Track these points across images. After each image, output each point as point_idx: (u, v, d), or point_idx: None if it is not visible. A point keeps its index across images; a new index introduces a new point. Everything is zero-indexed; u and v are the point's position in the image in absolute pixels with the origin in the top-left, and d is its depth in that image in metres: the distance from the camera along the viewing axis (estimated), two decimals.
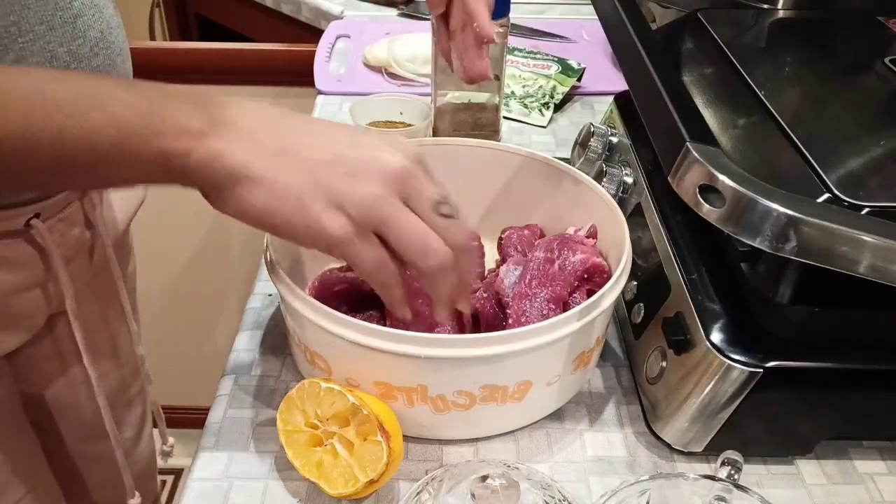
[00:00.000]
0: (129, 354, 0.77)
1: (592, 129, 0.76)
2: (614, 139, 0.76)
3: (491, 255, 0.68)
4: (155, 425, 0.85)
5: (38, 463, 0.69)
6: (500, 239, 0.67)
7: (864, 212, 0.45)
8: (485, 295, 0.61)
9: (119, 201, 0.71)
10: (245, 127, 0.44)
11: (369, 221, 0.44)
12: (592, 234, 0.63)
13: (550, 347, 0.51)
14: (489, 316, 0.60)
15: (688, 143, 0.45)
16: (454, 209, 0.47)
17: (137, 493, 0.74)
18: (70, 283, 0.61)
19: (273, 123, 0.45)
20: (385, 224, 0.44)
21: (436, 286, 0.47)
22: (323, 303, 0.51)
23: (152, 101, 0.42)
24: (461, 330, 0.58)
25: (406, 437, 0.55)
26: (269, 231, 0.47)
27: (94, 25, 0.55)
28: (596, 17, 0.70)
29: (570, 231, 0.64)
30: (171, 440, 0.84)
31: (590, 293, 0.58)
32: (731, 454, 0.49)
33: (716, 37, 0.67)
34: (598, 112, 0.99)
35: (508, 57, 1.00)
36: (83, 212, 0.63)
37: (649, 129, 0.54)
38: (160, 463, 0.90)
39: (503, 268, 0.61)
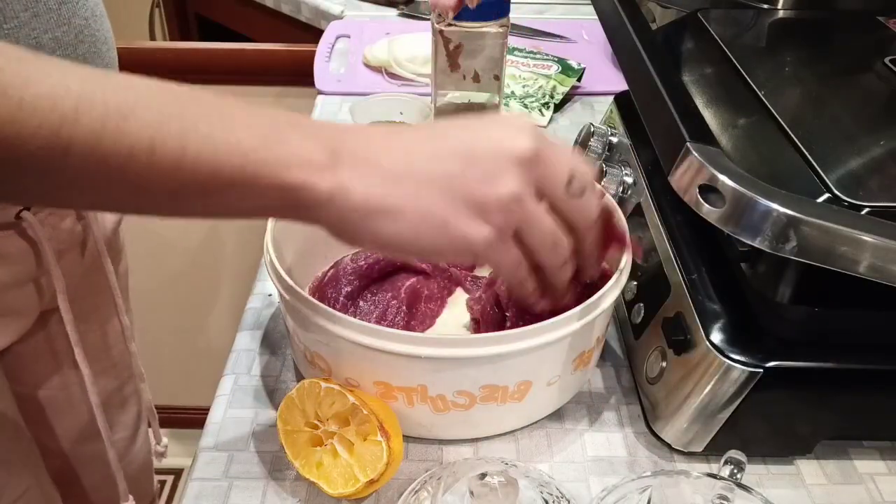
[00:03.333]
0: (122, 353, 0.77)
1: (592, 129, 0.76)
2: (614, 139, 0.76)
3: None
4: (149, 425, 0.85)
5: (34, 463, 0.69)
6: None
7: (864, 212, 0.45)
8: (484, 296, 0.61)
9: None
10: (366, 156, 0.41)
11: (510, 224, 0.43)
12: None
13: (550, 347, 0.51)
14: (489, 317, 0.60)
15: (688, 143, 0.45)
16: (584, 179, 0.45)
17: (131, 497, 0.74)
18: (62, 277, 0.61)
19: (391, 144, 0.42)
20: (524, 225, 0.43)
21: (557, 277, 0.47)
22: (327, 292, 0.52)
23: (279, 128, 0.40)
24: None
25: (406, 437, 0.55)
26: (411, 256, 0.47)
27: (78, 13, 0.56)
28: (596, 17, 0.70)
29: None
30: (164, 440, 0.84)
31: (590, 293, 0.58)
32: (734, 454, 0.49)
33: (716, 37, 0.67)
34: (598, 112, 0.99)
35: (508, 57, 1.00)
36: None
37: (649, 129, 0.54)
38: (155, 463, 0.90)
39: None
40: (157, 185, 0.37)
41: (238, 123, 0.39)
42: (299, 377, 0.61)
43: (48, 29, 0.53)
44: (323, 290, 0.63)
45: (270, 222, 0.58)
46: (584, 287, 0.54)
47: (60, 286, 0.61)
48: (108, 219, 0.71)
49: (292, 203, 0.40)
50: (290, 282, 0.53)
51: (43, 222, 0.59)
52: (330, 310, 0.51)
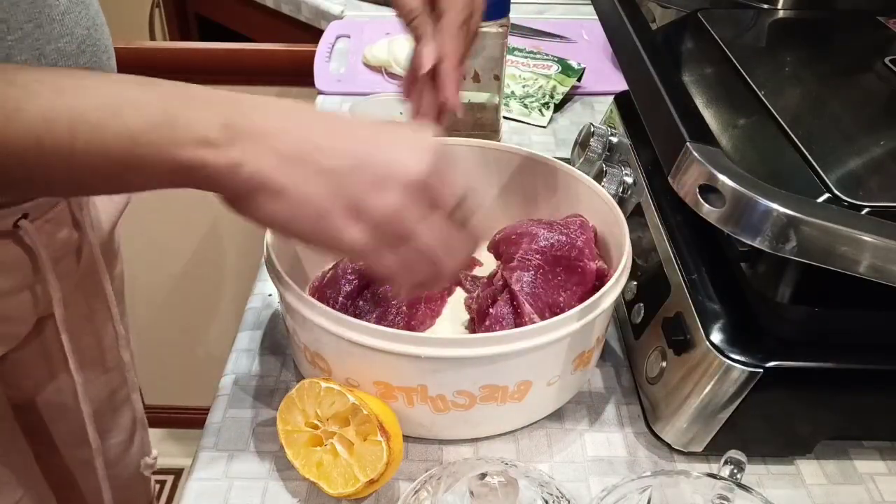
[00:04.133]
0: (116, 358, 0.77)
1: (592, 129, 0.76)
2: (614, 139, 0.76)
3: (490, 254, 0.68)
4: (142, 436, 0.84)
5: (30, 467, 0.69)
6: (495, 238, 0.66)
7: (864, 212, 0.45)
8: (482, 294, 0.61)
9: (103, 203, 0.70)
10: (263, 131, 0.42)
11: (388, 234, 0.43)
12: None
13: (550, 347, 0.51)
14: (485, 315, 0.60)
15: (688, 143, 0.45)
16: (468, 210, 0.46)
17: None
18: (58, 286, 0.61)
19: (292, 124, 0.43)
20: (402, 239, 0.44)
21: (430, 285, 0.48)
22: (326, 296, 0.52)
23: (170, 106, 0.40)
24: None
25: (406, 437, 0.55)
26: (292, 240, 0.47)
27: (80, 23, 0.55)
28: (596, 17, 0.70)
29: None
30: (154, 452, 0.82)
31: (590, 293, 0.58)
32: (734, 454, 0.49)
33: (716, 37, 0.67)
34: (598, 112, 0.99)
35: (508, 57, 1.00)
36: (70, 212, 0.63)
37: (649, 129, 0.54)
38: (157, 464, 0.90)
39: (518, 273, 0.60)
40: (53, 172, 0.40)
41: (128, 107, 0.39)
42: (299, 377, 0.61)
43: (51, 40, 0.52)
44: (323, 290, 0.63)
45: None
46: None
47: (56, 294, 0.61)
48: (104, 221, 0.71)
49: (186, 178, 0.41)
50: (290, 282, 0.53)
51: (39, 230, 0.58)
52: (330, 310, 0.51)
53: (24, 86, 0.38)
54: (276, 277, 0.54)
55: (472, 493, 0.45)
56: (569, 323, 0.51)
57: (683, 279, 0.56)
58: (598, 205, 0.63)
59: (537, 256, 0.60)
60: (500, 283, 0.59)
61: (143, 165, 0.40)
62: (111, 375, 0.78)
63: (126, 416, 0.82)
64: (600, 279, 0.60)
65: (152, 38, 1.87)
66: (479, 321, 0.59)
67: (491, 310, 0.57)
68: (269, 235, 0.57)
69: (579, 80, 1.02)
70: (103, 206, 0.70)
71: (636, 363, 0.60)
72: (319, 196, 0.42)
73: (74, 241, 0.65)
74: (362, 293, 0.62)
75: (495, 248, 0.65)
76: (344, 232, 0.42)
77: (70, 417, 0.72)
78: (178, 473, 1.70)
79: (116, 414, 0.80)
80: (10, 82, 0.38)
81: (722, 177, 0.42)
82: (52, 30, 0.52)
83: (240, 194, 0.42)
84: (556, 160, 0.67)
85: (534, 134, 0.95)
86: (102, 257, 0.70)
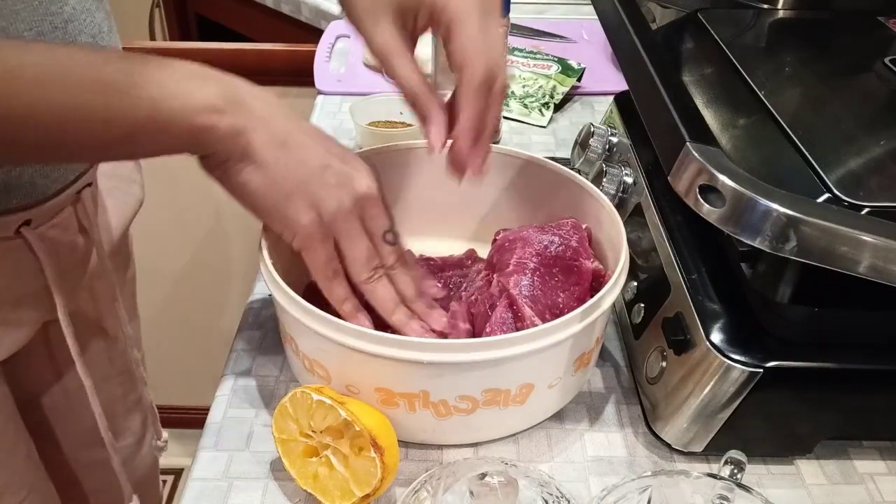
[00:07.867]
0: (126, 361, 0.77)
1: (592, 129, 0.76)
2: (614, 139, 0.76)
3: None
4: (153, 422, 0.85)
5: (35, 467, 0.69)
6: (495, 240, 0.66)
7: (864, 212, 0.45)
8: (479, 300, 0.61)
9: (114, 206, 0.70)
10: (257, 111, 0.49)
11: (332, 228, 0.51)
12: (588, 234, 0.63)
13: (552, 350, 0.51)
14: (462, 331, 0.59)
15: (688, 143, 0.45)
16: (398, 237, 0.55)
17: (136, 497, 0.74)
18: (61, 292, 0.61)
19: (279, 114, 0.50)
20: (344, 235, 0.52)
21: (372, 296, 0.55)
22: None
23: (180, 80, 0.46)
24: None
25: (407, 443, 0.55)
26: (250, 209, 0.52)
27: (84, 30, 0.55)
28: (596, 17, 0.70)
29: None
30: (164, 435, 0.84)
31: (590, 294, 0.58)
32: (735, 454, 0.49)
33: (716, 37, 0.67)
34: (598, 112, 0.99)
35: (508, 57, 1.00)
36: (76, 218, 0.62)
37: (649, 129, 0.54)
38: (158, 460, 0.90)
39: (515, 277, 0.60)
40: (86, 138, 0.46)
41: (150, 81, 0.45)
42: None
43: None
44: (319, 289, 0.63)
45: (263, 231, 0.57)
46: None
47: (60, 300, 0.61)
48: (114, 224, 0.70)
49: (199, 140, 0.47)
50: (288, 289, 0.52)
51: (43, 236, 0.58)
52: (330, 316, 0.50)
53: (66, 55, 0.44)
54: (273, 284, 0.54)
55: (472, 493, 0.45)
56: (571, 324, 0.51)
57: (683, 279, 0.56)
58: (596, 207, 0.63)
59: (533, 259, 0.59)
60: (499, 288, 0.58)
61: (161, 131, 0.46)
62: (123, 378, 0.77)
63: (136, 420, 0.81)
64: (597, 280, 0.60)
65: (152, 38, 1.87)
66: (479, 328, 0.59)
67: (491, 316, 0.57)
68: (263, 241, 0.56)
69: (579, 80, 1.02)
70: (113, 210, 0.70)
71: (636, 363, 0.60)
72: (291, 180, 0.49)
73: (81, 246, 0.64)
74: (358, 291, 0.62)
75: (489, 262, 0.64)
76: (300, 215, 0.50)
77: (78, 419, 0.72)
78: (178, 473, 1.70)
79: (126, 417, 0.80)
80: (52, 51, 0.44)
81: (722, 177, 0.42)
82: (55, 38, 0.52)
83: (231, 157, 0.48)
84: (554, 163, 0.67)
85: (534, 134, 0.95)
86: (113, 260, 0.70)
